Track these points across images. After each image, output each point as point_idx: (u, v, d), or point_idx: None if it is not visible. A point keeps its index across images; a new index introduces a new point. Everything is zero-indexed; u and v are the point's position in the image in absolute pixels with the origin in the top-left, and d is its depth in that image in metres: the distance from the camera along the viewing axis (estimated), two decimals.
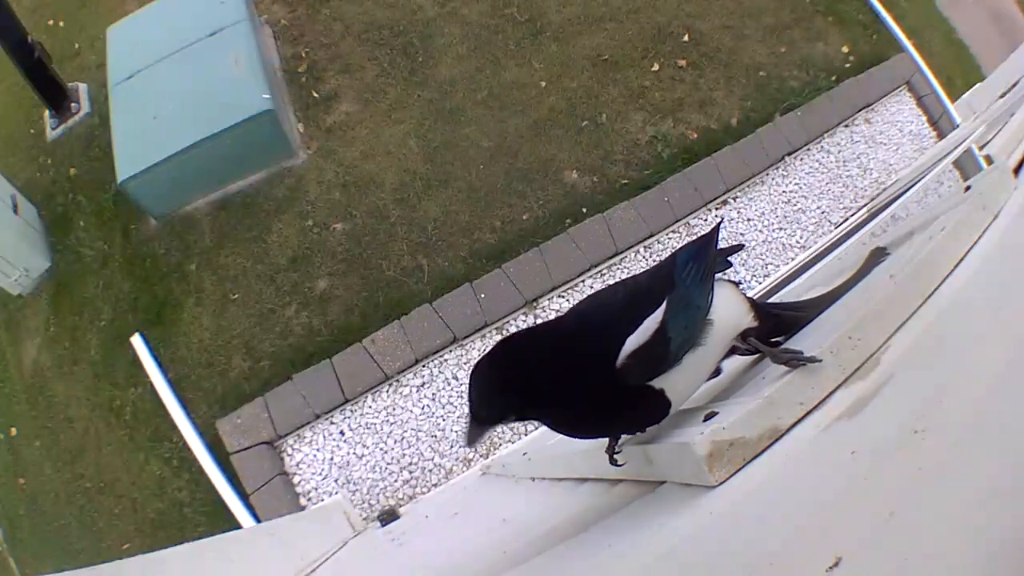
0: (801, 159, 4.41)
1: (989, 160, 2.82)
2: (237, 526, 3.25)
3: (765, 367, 0.83)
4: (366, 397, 3.64)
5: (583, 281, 3.90)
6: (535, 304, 3.83)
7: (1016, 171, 0.98)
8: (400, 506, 2.61)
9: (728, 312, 0.83)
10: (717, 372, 0.96)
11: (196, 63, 3.92)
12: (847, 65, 4.73)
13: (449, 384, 3.68)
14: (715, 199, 4.14)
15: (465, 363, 3.70)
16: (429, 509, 2.26)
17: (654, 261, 3.86)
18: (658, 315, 0.76)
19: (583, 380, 0.75)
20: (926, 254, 0.78)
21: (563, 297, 3.87)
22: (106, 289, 4.03)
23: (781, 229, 4.23)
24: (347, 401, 3.60)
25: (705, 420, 0.74)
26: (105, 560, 1.45)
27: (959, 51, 5.63)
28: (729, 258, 0.93)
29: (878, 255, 1.00)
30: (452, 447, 3.60)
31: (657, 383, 0.76)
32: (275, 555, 1.49)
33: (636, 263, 4.00)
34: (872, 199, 4.17)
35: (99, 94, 4.40)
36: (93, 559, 3.64)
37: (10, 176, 4.19)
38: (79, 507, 3.79)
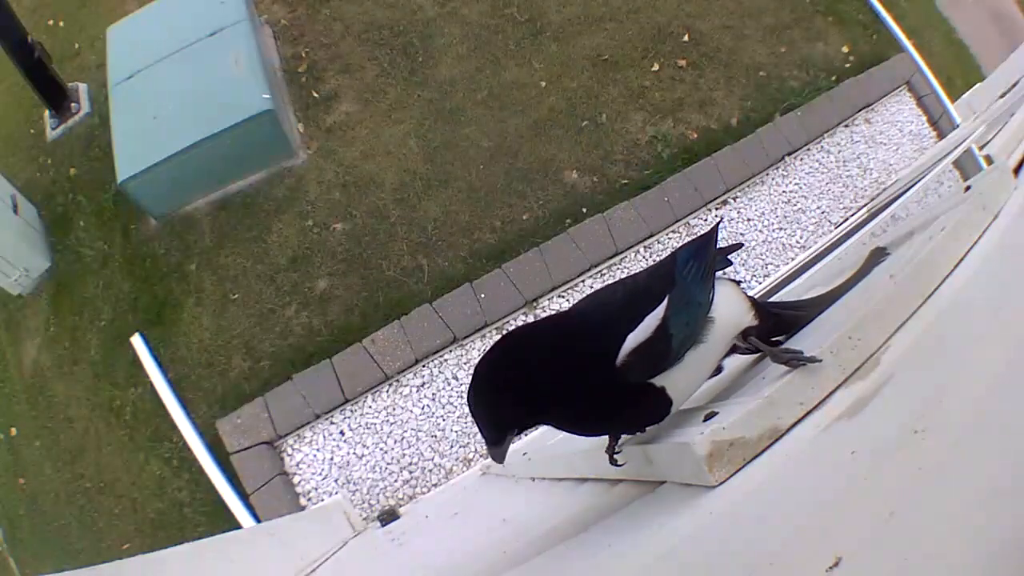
0: (801, 159, 4.41)
1: (989, 160, 2.82)
2: (237, 526, 3.25)
3: (765, 367, 0.83)
4: (366, 397, 3.64)
5: (583, 281, 3.90)
6: (535, 304, 3.83)
7: (1016, 171, 0.98)
8: (400, 506, 2.61)
9: (729, 310, 0.83)
10: (718, 371, 0.96)
11: (196, 63, 3.92)
12: (847, 65, 4.73)
13: (449, 384, 3.68)
14: (715, 199, 4.14)
15: (465, 363, 3.70)
16: (429, 509, 2.26)
17: (654, 261, 3.85)
18: (659, 312, 0.76)
19: (584, 379, 0.75)
20: (926, 254, 0.78)
21: (563, 297, 3.87)
22: (106, 289, 4.03)
23: (781, 229, 4.23)
24: (347, 401, 3.60)
25: (705, 420, 0.74)
26: (105, 560, 1.45)
27: (959, 51, 5.64)
28: (729, 257, 0.93)
29: (878, 255, 1.00)
30: (452, 447, 3.60)
31: (658, 381, 0.76)
32: (275, 555, 1.49)
33: (636, 263, 4.00)
34: (872, 199, 4.17)
35: (99, 94, 4.40)
36: (93, 559, 3.64)
37: (10, 176, 4.20)
38: (79, 507, 3.79)
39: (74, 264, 4.14)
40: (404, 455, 3.57)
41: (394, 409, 3.64)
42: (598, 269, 3.92)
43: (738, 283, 0.90)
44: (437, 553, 1.43)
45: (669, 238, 4.06)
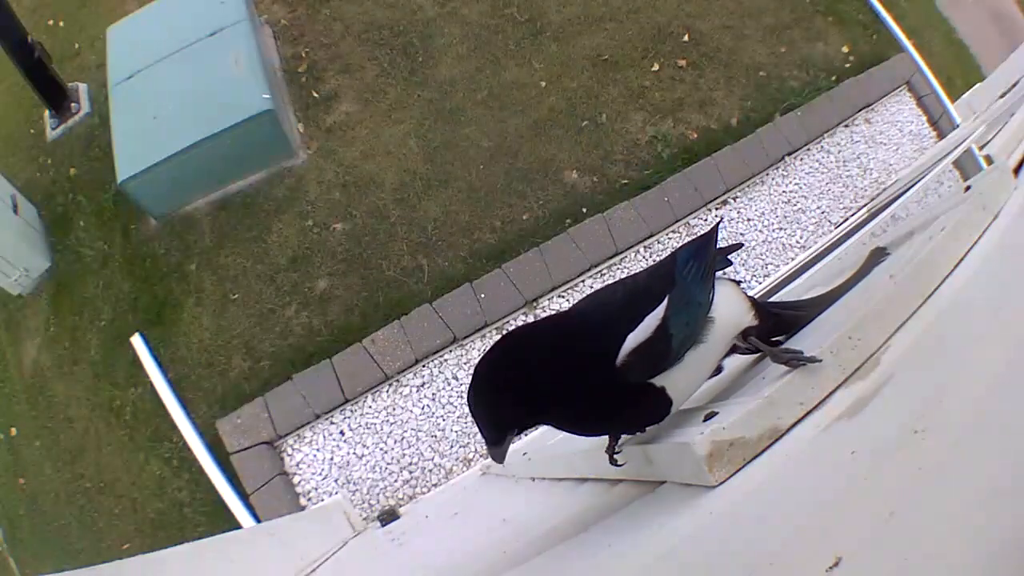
0: (801, 159, 4.41)
1: (989, 160, 2.82)
2: (237, 526, 3.25)
3: (765, 367, 0.83)
4: (366, 397, 3.64)
5: (583, 281, 3.90)
6: (535, 304, 3.83)
7: (1016, 171, 0.98)
8: (400, 506, 2.61)
9: (729, 310, 0.83)
10: (718, 370, 0.96)
11: (196, 63, 3.92)
12: (847, 65, 4.73)
13: (449, 384, 3.68)
14: (715, 199, 4.14)
15: (465, 363, 3.70)
16: (429, 509, 2.26)
17: (654, 261, 3.85)
18: (659, 312, 0.76)
19: (584, 379, 0.75)
20: (926, 254, 0.78)
21: (563, 297, 3.87)
22: (106, 289, 4.03)
23: (781, 229, 4.23)
24: (347, 401, 3.60)
25: (705, 420, 0.74)
26: (105, 560, 1.45)
27: (959, 51, 5.64)
28: (729, 257, 0.93)
29: (878, 255, 1.00)
30: (452, 447, 3.60)
31: (658, 381, 0.76)
32: (275, 555, 1.49)
33: (636, 263, 4.00)
34: (872, 199, 4.17)
35: (99, 94, 4.40)
36: (93, 559, 3.64)
37: (10, 176, 4.20)
38: (79, 507, 3.79)
39: (74, 264, 4.14)
40: (404, 455, 3.57)
41: (394, 409, 3.64)
42: (598, 269, 3.92)
43: (738, 283, 0.90)
44: (437, 553, 1.43)
45: (669, 238, 4.06)
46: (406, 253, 3.94)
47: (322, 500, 3.43)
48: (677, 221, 4.04)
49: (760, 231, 4.20)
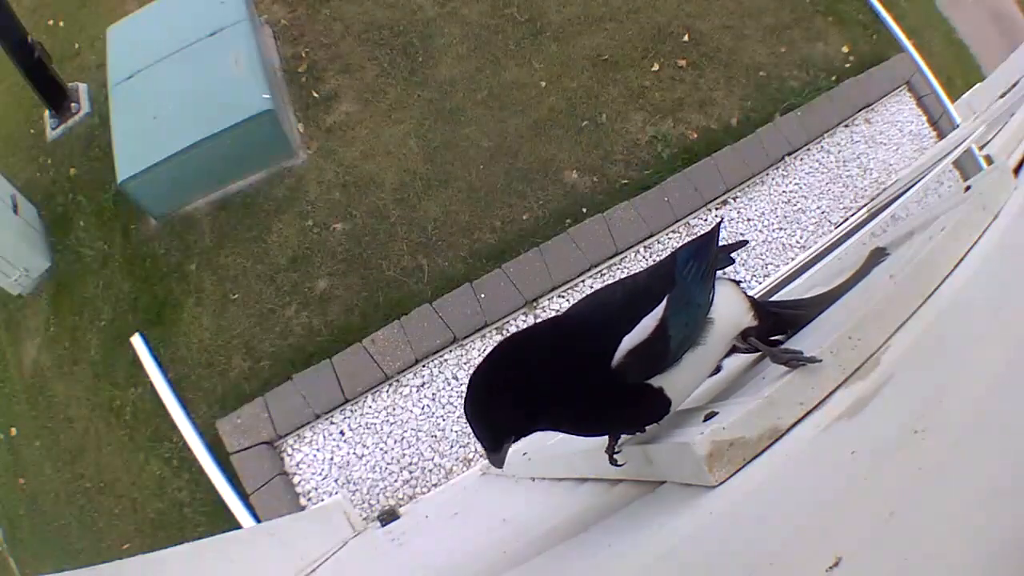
0: (801, 159, 4.41)
1: (989, 160, 2.82)
2: (237, 526, 3.25)
3: (765, 367, 0.83)
4: (366, 397, 3.64)
5: (583, 281, 3.90)
6: (535, 304, 3.83)
7: (1016, 171, 0.98)
8: (400, 506, 2.61)
9: (729, 310, 0.83)
10: (717, 370, 0.95)
11: (196, 63, 3.92)
12: (847, 65, 4.73)
13: (449, 384, 3.68)
14: (715, 199, 4.14)
15: (465, 363, 3.70)
16: (429, 509, 2.26)
17: (654, 261, 3.85)
18: (657, 313, 0.76)
19: (583, 379, 0.75)
20: (926, 254, 0.78)
21: (563, 297, 3.87)
22: (106, 289, 4.03)
23: (781, 229, 4.23)
24: (347, 401, 3.60)
25: (705, 420, 0.74)
26: (105, 560, 1.45)
27: (959, 51, 5.64)
28: (731, 255, 0.93)
29: (878, 255, 1.00)
30: (452, 447, 3.60)
31: (656, 381, 0.76)
32: (275, 555, 1.49)
33: (636, 263, 4.00)
34: (872, 199, 4.17)
35: (99, 94, 4.40)
36: (93, 559, 3.64)
37: (10, 176, 4.19)
38: (79, 507, 3.79)
39: (74, 264, 4.14)
40: (404, 455, 3.57)
41: (394, 409, 3.64)
42: (598, 269, 3.92)
43: (738, 283, 0.90)
44: (437, 553, 1.43)
45: (669, 238, 4.06)
46: (406, 253, 3.94)
47: (322, 500, 3.43)
48: (677, 221, 4.04)
49: (760, 231, 4.20)
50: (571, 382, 0.74)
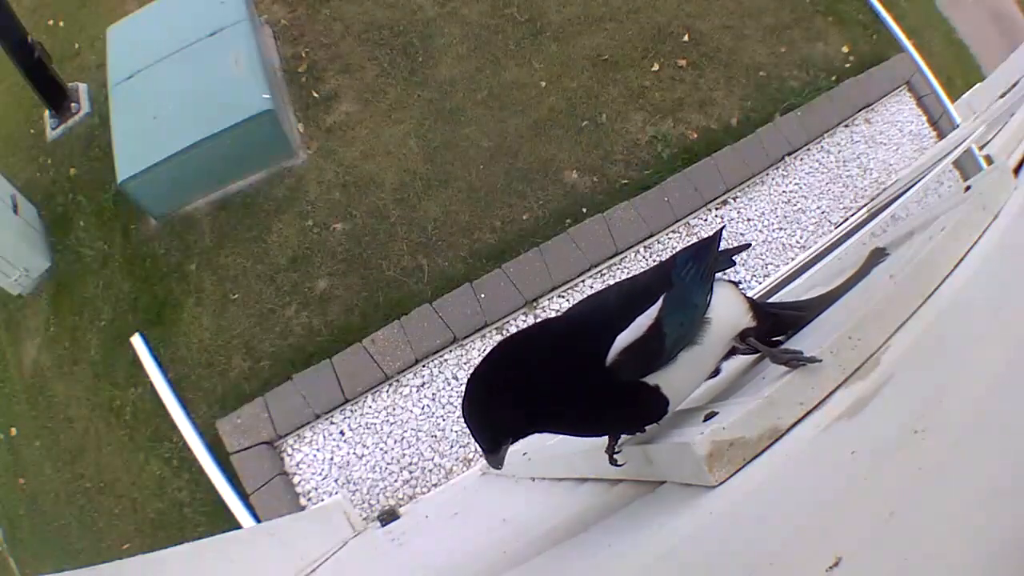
0: (801, 159, 4.41)
1: (989, 160, 2.82)
2: (237, 526, 3.25)
3: (765, 367, 0.83)
4: (366, 397, 3.64)
5: (583, 281, 3.90)
6: (535, 304, 3.83)
7: (1016, 171, 0.98)
8: (400, 506, 2.61)
9: (727, 312, 0.83)
10: (716, 372, 0.96)
11: (196, 63, 3.92)
12: (847, 65, 4.73)
13: (449, 384, 3.68)
14: (715, 199, 4.14)
15: (465, 363, 3.70)
16: (429, 509, 2.26)
17: (654, 261, 3.86)
18: (652, 312, 0.76)
19: (582, 379, 0.75)
20: (926, 254, 0.78)
21: (563, 297, 3.87)
22: (106, 289, 4.03)
23: (781, 229, 4.23)
24: (347, 401, 3.60)
25: (705, 420, 0.74)
26: (105, 560, 1.45)
27: (959, 51, 5.64)
28: (733, 257, 0.93)
29: (878, 255, 1.00)
30: (452, 447, 3.60)
31: (652, 380, 0.76)
32: (275, 555, 1.49)
33: (636, 263, 4.00)
34: (872, 199, 4.17)
35: (99, 94, 4.40)
36: (93, 559, 3.64)
37: (10, 176, 4.20)
38: (79, 507, 3.79)
39: (74, 264, 4.14)
40: (404, 455, 3.57)
41: (394, 409, 3.64)
42: (598, 269, 3.92)
43: (736, 284, 0.90)
44: (437, 553, 1.43)
45: (669, 238, 4.06)
46: (406, 253, 3.94)
47: (322, 500, 3.43)
48: (677, 221, 4.04)
49: (760, 231, 4.20)
50: (570, 382, 0.74)
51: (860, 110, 4.60)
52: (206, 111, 3.76)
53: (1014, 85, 3.51)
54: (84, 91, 4.53)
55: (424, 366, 3.70)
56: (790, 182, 4.35)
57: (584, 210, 4.05)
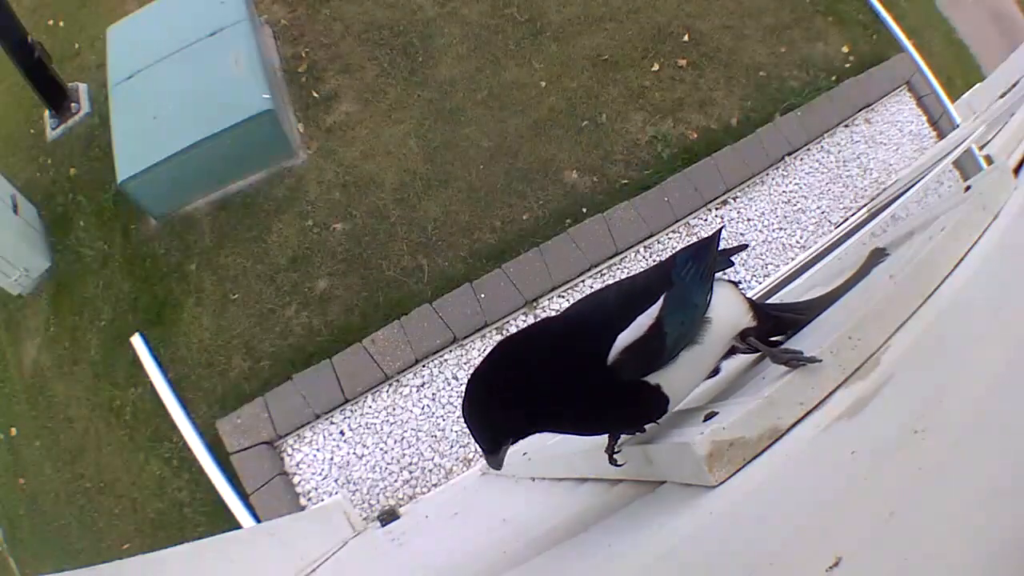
0: (801, 159, 4.41)
1: (989, 160, 2.82)
2: (237, 526, 3.25)
3: (765, 367, 0.83)
4: (366, 397, 3.64)
5: (583, 281, 3.90)
6: (535, 304, 3.83)
7: (1016, 171, 0.98)
8: (400, 506, 2.61)
9: (727, 311, 0.83)
10: (715, 372, 0.96)
11: (196, 63, 3.92)
12: (847, 65, 4.73)
13: (449, 384, 3.68)
14: (715, 199, 4.14)
15: (465, 363, 3.70)
16: (429, 509, 2.26)
17: (654, 261, 3.86)
18: (653, 311, 0.76)
19: (582, 378, 0.75)
20: (926, 254, 0.78)
21: (563, 297, 3.87)
22: (106, 289, 4.03)
23: (781, 229, 4.23)
24: (347, 401, 3.60)
25: (705, 420, 0.74)
26: (105, 560, 1.45)
27: (959, 51, 5.64)
28: (731, 258, 0.93)
29: (878, 255, 1.00)
30: (452, 447, 3.60)
31: (653, 379, 0.76)
32: (275, 555, 1.49)
33: (636, 263, 4.00)
34: (872, 199, 4.17)
35: (99, 94, 4.40)
36: (93, 559, 3.64)
37: (10, 176, 4.20)
38: (79, 507, 3.79)
39: (74, 264, 4.14)
40: (404, 455, 3.57)
41: (394, 409, 3.64)
42: (598, 269, 3.92)
43: (737, 284, 0.90)
44: (437, 553, 1.43)
45: (669, 238, 4.06)
46: (406, 253, 3.94)
47: (322, 500, 3.43)
48: (677, 221, 4.04)
49: (760, 231, 4.20)
50: (570, 381, 0.74)
51: (860, 110, 4.60)
52: (206, 111, 3.76)
53: (1014, 85, 3.51)
54: (84, 91, 4.53)
55: (424, 366, 3.70)
56: (790, 182, 4.35)
57: (584, 210, 4.05)
